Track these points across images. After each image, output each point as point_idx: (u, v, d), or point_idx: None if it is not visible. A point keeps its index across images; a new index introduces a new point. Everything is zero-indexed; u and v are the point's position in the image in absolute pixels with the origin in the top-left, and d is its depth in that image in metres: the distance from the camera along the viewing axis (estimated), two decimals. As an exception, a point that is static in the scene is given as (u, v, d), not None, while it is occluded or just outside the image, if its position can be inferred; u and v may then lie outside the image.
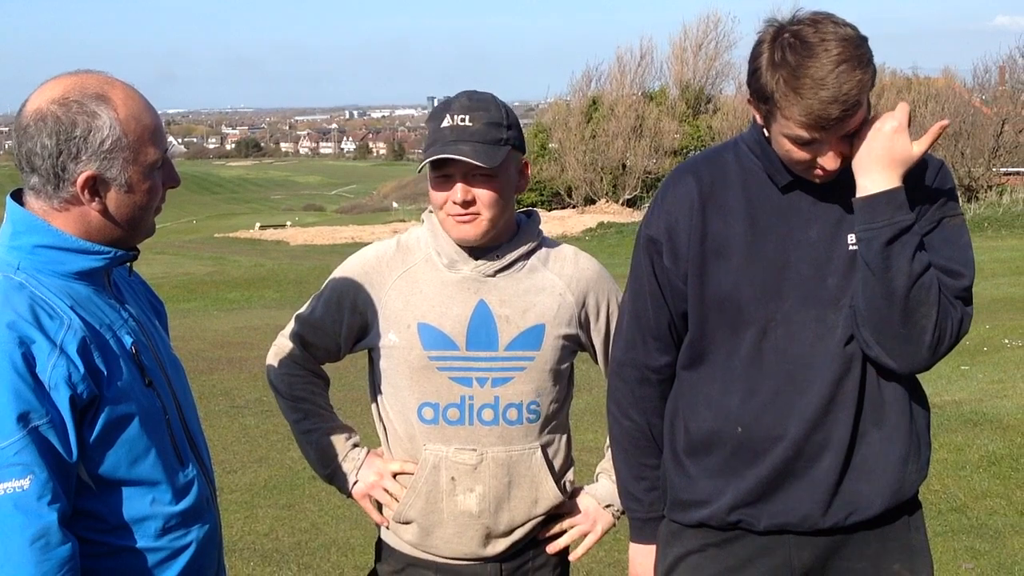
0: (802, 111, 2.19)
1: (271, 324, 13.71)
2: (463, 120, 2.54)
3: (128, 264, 2.18)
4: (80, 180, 1.98)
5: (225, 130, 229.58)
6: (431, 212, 2.71)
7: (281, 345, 2.84)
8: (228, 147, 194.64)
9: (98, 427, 1.96)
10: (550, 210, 38.92)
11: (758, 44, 2.27)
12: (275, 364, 2.83)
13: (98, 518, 2.01)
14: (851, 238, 2.37)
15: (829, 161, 2.29)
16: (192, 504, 2.12)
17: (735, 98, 41.04)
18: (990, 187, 33.95)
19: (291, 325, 2.83)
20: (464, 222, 2.58)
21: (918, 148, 2.31)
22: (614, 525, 2.83)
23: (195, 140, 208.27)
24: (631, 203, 39.54)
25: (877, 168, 2.29)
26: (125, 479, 2.02)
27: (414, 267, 2.68)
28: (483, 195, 2.56)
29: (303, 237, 35.37)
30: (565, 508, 2.77)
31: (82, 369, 1.93)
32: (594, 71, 43.63)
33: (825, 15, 2.24)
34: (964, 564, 5.49)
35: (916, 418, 2.47)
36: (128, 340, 2.07)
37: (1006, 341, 11.58)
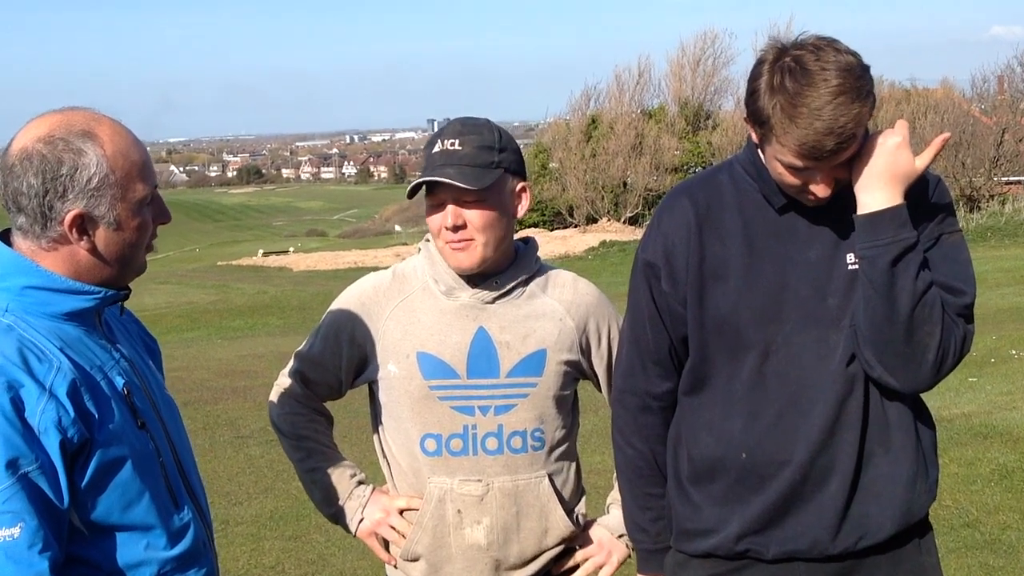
0: (796, 140, 2.17)
1: (275, 351, 13.69)
2: (452, 144, 2.52)
3: (120, 303, 2.14)
4: (68, 219, 1.95)
5: (226, 157, 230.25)
6: (428, 240, 2.68)
7: (282, 383, 2.80)
8: (230, 174, 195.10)
9: (90, 472, 1.92)
10: (552, 230, 38.90)
11: (759, 64, 2.24)
12: (276, 403, 2.79)
13: (92, 565, 1.96)
14: (850, 257, 2.34)
15: (820, 189, 2.27)
16: (188, 548, 2.07)
17: (734, 114, 40.99)
18: (991, 196, 33.90)
19: (291, 363, 2.80)
20: (458, 249, 2.55)
21: (920, 162, 2.28)
22: (629, 556, 2.78)
23: (196, 168, 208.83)
24: (633, 221, 39.51)
25: (879, 184, 2.26)
26: (118, 524, 1.97)
27: (411, 296, 2.64)
28: (473, 218, 2.53)
29: (306, 263, 35.38)
30: (578, 540, 2.72)
31: (72, 413, 1.88)
32: (592, 90, 43.69)
33: (828, 41, 2.21)
34: (978, 581, 5.42)
35: (922, 438, 2.43)
36: (120, 381, 2.02)
37: (1013, 352, 11.52)
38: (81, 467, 1.91)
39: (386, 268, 2.78)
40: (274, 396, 2.80)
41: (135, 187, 2.00)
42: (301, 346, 2.78)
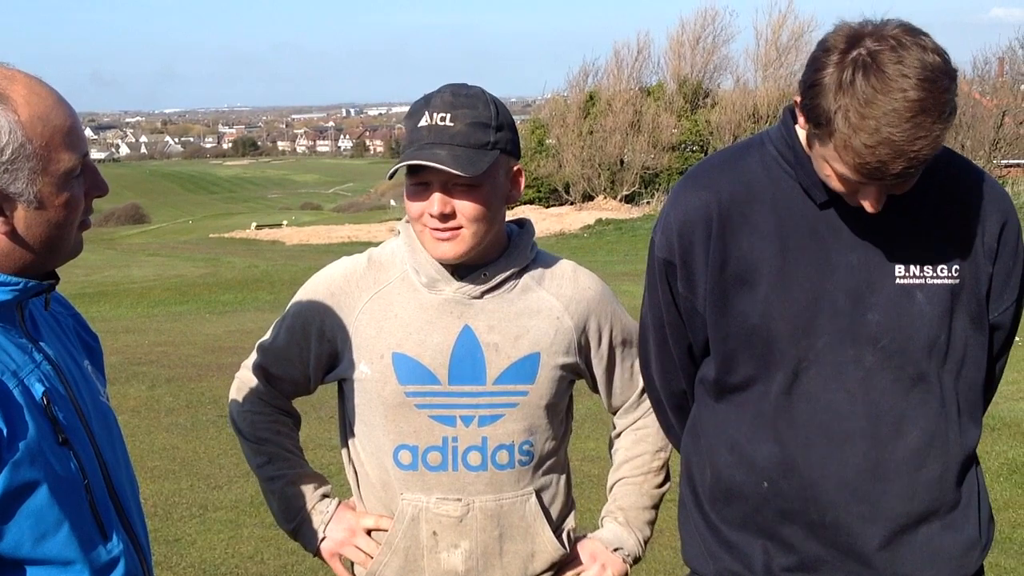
0: (857, 156, 1.81)
1: (264, 327, 13.10)
2: (443, 119, 2.17)
3: (45, 295, 1.83)
4: None
5: (222, 129, 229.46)
6: (408, 222, 2.37)
7: (243, 378, 2.50)
8: (225, 146, 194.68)
9: None
10: (547, 207, 38.65)
11: (824, 52, 1.85)
12: (237, 400, 2.49)
13: (-3, 606, 1.66)
14: (900, 269, 2.01)
15: (869, 203, 1.92)
16: None
17: (733, 92, 40.71)
18: (991, 179, 33.66)
19: (253, 355, 2.49)
20: (443, 239, 2.22)
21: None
22: (627, 572, 2.47)
23: (192, 140, 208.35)
24: (629, 199, 39.27)
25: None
26: (29, 558, 1.66)
27: (388, 287, 2.32)
28: (464, 207, 2.20)
29: (299, 237, 35.04)
30: (567, 561, 2.42)
31: None
32: (591, 66, 43.43)
33: (911, 34, 1.81)
34: (990, 585, 5.17)
35: (981, 494, 2.14)
36: (38, 389, 1.71)
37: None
38: None
39: (364, 249, 2.48)
40: (235, 391, 2.50)
41: (59, 157, 1.69)
42: (264, 337, 2.48)
